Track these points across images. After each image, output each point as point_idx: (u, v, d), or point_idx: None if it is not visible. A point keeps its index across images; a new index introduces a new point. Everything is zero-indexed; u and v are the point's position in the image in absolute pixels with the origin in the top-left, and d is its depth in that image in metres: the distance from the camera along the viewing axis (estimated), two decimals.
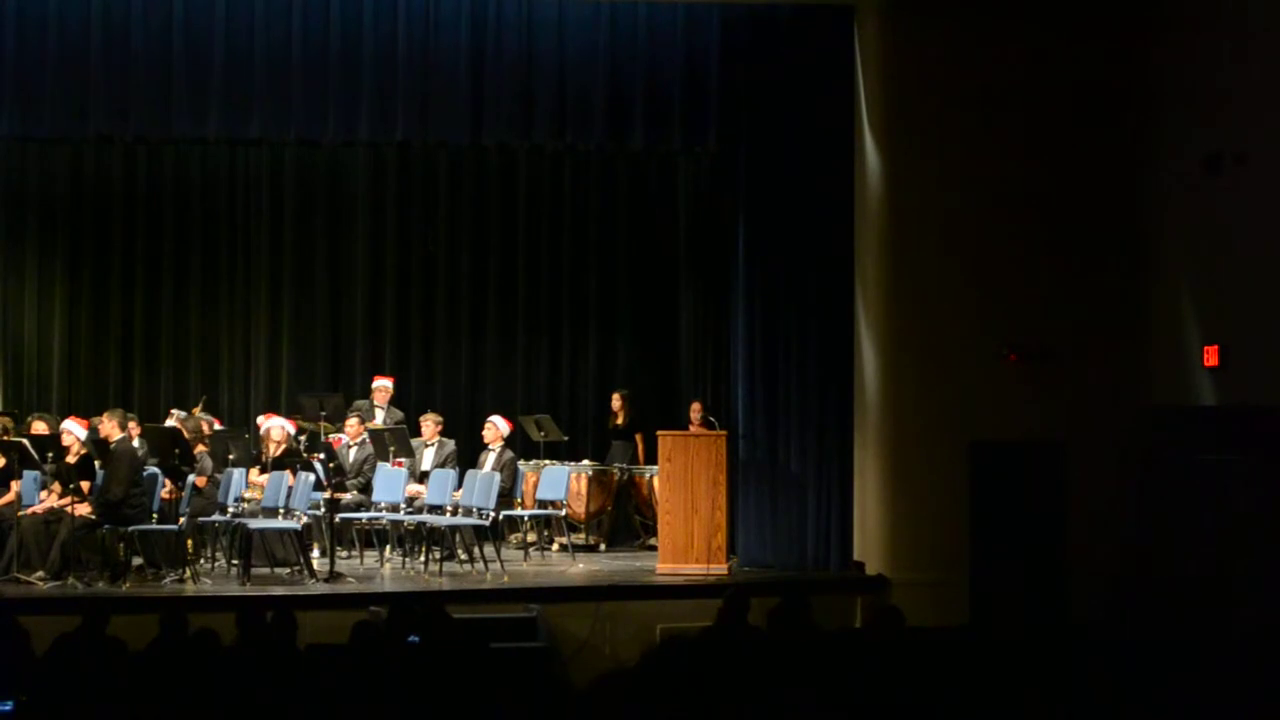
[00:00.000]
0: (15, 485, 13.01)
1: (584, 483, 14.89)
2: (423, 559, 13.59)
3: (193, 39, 13.60)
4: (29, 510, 12.84)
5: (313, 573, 13.04)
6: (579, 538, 15.04)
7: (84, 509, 12.75)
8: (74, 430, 13.13)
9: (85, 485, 12.90)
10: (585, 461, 15.47)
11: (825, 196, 13.99)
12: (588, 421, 16.64)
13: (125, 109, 13.62)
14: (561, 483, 14.54)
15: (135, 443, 13.35)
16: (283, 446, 13.73)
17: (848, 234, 14.03)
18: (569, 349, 17.01)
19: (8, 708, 6.57)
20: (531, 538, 14.95)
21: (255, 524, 13.07)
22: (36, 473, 13.06)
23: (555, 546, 14.92)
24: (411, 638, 8.55)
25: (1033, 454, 13.48)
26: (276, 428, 14.02)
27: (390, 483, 14.06)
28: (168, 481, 13.28)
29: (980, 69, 13.47)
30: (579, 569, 13.91)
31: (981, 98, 13.43)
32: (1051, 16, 13.46)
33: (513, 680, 8.11)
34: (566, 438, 15.86)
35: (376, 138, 14.33)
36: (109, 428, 13.10)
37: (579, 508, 14.87)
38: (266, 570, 13.23)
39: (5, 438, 13.54)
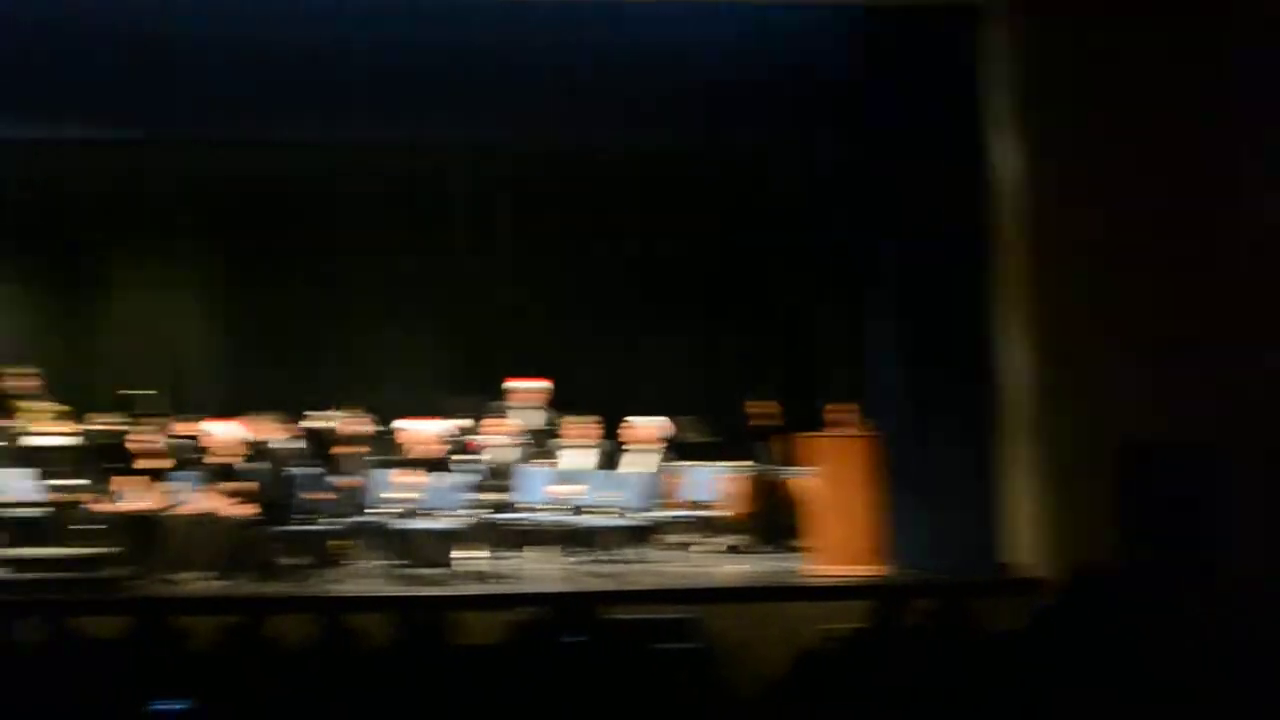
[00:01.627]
0: (163, 486, 13.18)
1: (732, 484, 14.81)
2: (576, 559, 13.58)
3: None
4: (182, 510, 12.99)
5: (465, 573, 13.07)
6: (730, 539, 14.96)
7: (239, 509, 12.89)
8: (230, 431, 13.28)
9: (240, 486, 13.05)
10: (732, 463, 15.39)
11: (958, 195, 13.77)
12: (733, 423, 16.56)
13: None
14: (710, 484, 14.51)
15: (290, 443, 13.48)
16: (433, 447, 13.82)
17: (982, 230, 13.81)
18: (710, 349, 17.00)
19: (181, 707, 6.62)
20: (683, 539, 14.91)
21: (407, 524, 13.15)
22: (192, 473, 13.24)
23: (706, 548, 14.86)
24: (569, 638, 8.51)
25: (1187, 453, 13.16)
26: (426, 428, 14.10)
27: (541, 483, 14.06)
28: (322, 481, 13.39)
29: (1116, 67, 13.23)
30: (730, 570, 13.83)
31: (1117, 95, 13.19)
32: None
33: (673, 681, 8.04)
34: (714, 439, 15.79)
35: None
36: (264, 428, 13.25)
37: (729, 509, 14.79)
38: (417, 570, 13.30)
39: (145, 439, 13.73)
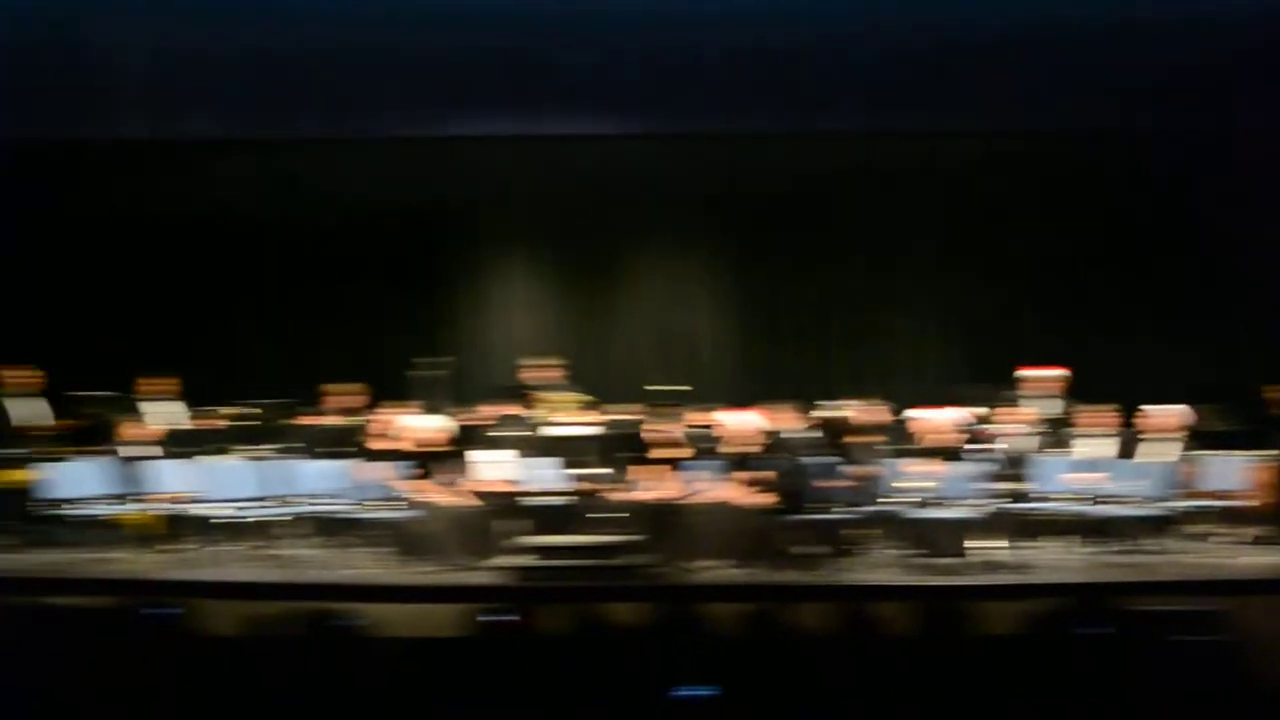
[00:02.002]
0: (680, 475, 13.35)
1: (1256, 473, 14.10)
2: (1094, 550, 13.17)
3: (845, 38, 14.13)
4: (700, 499, 13.15)
5: (980, 562, 12.82)
6: (1254, 530, 14.22)
7: (756, 498, 12.98)
8: (745, 421, 13.40)
9: (756, 475, 13.14)
10: (1256, 451, 14.63)
11: None
12: (1253, 411, 15.78)
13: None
14: (1232, 473, 13.93)
15: (804, 433, 13.50)
16: (947, 436, 13.63)
17: None
18: (1226, 335, 16.42)
19: (709, 692, 6.67)
20: (1204, 529, 14.29)
21: (921, 514, 13.01)
22: (709, 463, 13.40)
23: (1227, 539, 14.19)
24: (1089, 629, 8.24)
25: None
26: (940, 417, 13.93)
27: (1058, 472, 13.69)
28: (837, 471, 13.35)
29: None
30: (1254, 561, 13.15)
31: None
32: None
33: (1197, 675, 7.70)
34: (1236, 427, 15.05)
35: None
36: (779, 418, 13.31)
37: (1252, 499, 14.09)
38: (932, 560, 13.13)
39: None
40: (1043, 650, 7.86)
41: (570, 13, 14.47)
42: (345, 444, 13.80)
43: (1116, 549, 13.31)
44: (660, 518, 12.90)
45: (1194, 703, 7.18)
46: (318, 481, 13.67)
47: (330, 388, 14.88)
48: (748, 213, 17.26)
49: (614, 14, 14.37)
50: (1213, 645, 10.80)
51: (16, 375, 14.91)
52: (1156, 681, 7.46)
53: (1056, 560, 13.31)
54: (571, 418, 14.25)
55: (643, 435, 13.74)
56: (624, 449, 13.62)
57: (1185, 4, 13.68)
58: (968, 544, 13.07)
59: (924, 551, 12.97)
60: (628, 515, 12.89)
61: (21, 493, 13.99)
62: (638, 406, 14.56)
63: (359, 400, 14.72)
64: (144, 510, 13.82)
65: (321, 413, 14.76)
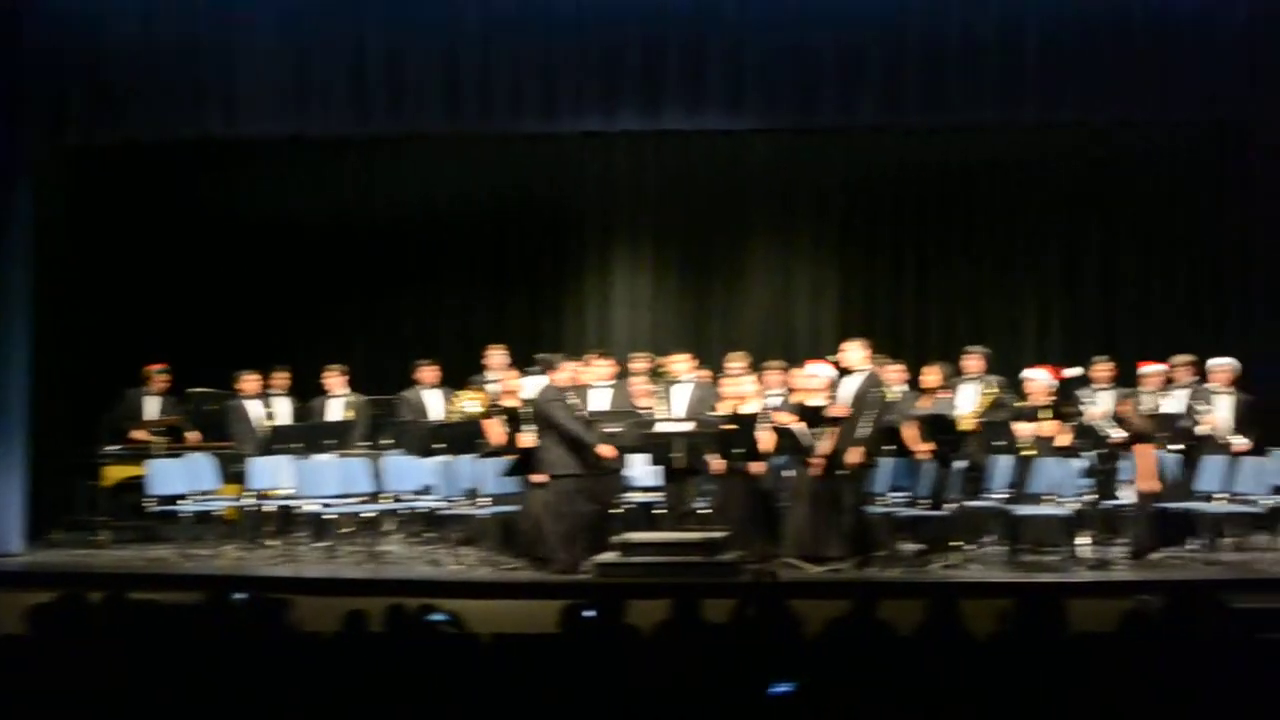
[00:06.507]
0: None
1: None
2: (1195, 546, 13.08)
3: (966, 30, 14.45)
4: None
5: (1081, 559, 12.73)
6: None
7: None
8: None
9: None
10: None
11: None
12: None
13: (901, 98, 14.44)
14: None
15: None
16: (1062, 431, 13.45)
17: None
18: None
19: (789, 688, 6.67)
20: None
21: (1022, 509, 12.94)
22: None
23: None
24: (1183, 629, 8.15)
25: None
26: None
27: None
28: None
29: None
30: None
31: None
32: None
33: None
34: None
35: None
36: None
37: None
38: (1033, 557, 13.07)
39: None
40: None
41: (686, 8, 14.58)
42: (453, 439, 13.89)
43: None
44: None
45: None
46: (417, 477, 13.84)
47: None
48: (865, 208, 17.29)
49: (730, 9, 14.49)
50: None
51: (153, 372, 15.27)
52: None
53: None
54: None
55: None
56: None
57: None
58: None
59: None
60: None
61: (134, 488, 14.28)
62: None
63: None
64: (249, 506, 14.04)
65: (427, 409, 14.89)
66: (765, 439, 12.87)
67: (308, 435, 14.15)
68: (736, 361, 14.08)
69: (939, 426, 13.34)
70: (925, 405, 13.87)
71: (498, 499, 13.37)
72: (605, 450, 12.79)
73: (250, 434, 14.69)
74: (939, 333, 16.96)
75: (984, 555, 13.27)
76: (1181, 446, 13.37)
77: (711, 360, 15.33)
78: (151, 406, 15.28)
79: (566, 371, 13.19)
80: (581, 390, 13.19)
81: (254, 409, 14.86)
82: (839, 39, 14.39)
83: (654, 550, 12.46)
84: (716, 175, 17.45)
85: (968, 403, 14.02)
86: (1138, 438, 12.99)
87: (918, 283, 17.27)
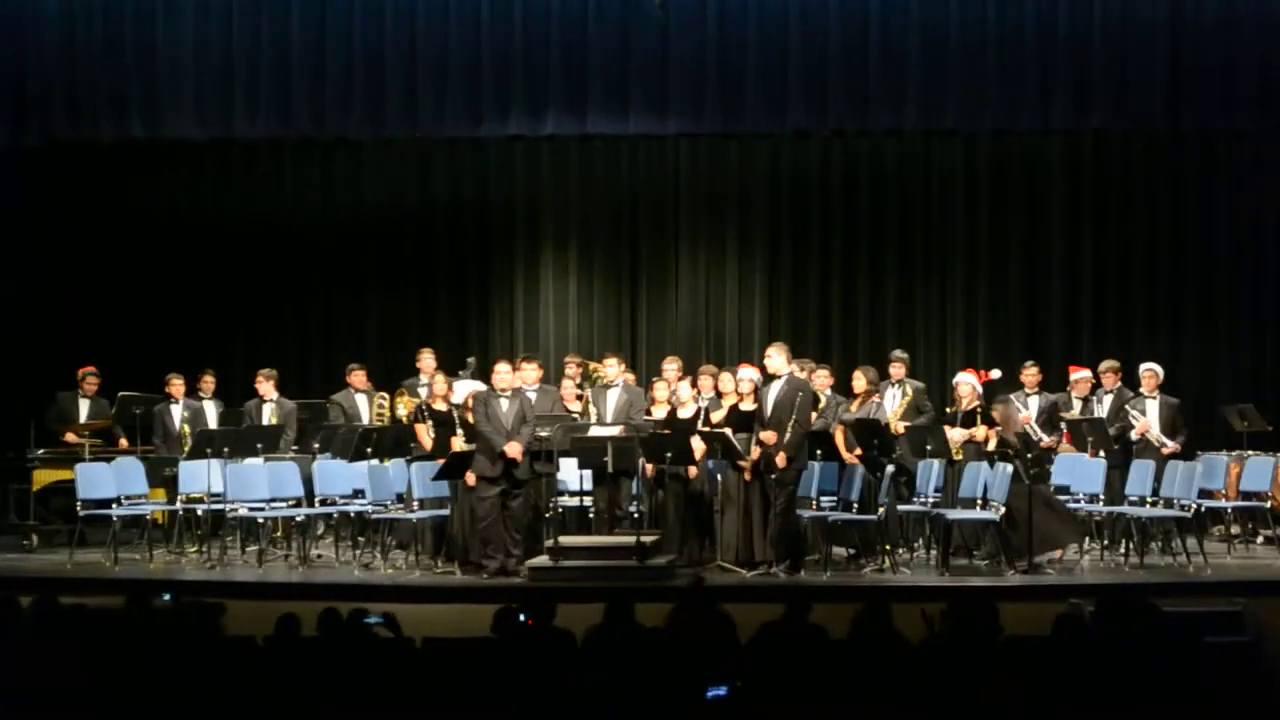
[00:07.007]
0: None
1: None
2: (1123, 551, 13.16)
3: (888, 36, 14.65)
4: None
5: (1011, 564, 12.79)
6: None
7: None
8: None
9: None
10: None
11: None
12: None
13: (825, 103, 14.46)
14: (1266, 474, 13.86)
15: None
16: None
17: None
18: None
19: (722, 692, 6.68)
20: (1235, 530, 14.25)
21: (953, 514, 12.99)
22: None
23: (1260, 540, 14.15)
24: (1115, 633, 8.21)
25: None
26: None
27: (1088, 473, 13.64)
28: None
29: None
30: None
31: None
32: None
33: (1222, 675, 7.66)
34: (1271, 428, 14.96)
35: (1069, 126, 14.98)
36: None
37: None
38: (964, 561, 13.14)
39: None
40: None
41: (612, 12, 14.64)
42: (382, 444, 13.83)
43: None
44: None
45: None
46: (348, 482, 13.78)
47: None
48: (793, 212, 17.29)
49: (653, 14, 14.56)
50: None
51: (84, 375, 15.14)
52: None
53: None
54: None
55: None
56: None
57: None
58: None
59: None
60: None
61: (64, 492, 14.16)
62: None
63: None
64: (177, 509, 13.95)
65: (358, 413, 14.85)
66: (698, 443, 12.87)
67: (233, 439, 14.02)
68: (672, 364, 14.12)
69: (868, 431, 13.35)
70: (854, 410, 13.91)
71: (428, 503, 13.32)
72: (511, 450, 12.69)
73: (174, 438, 14.61)
74: (867, 337, 17.01)
75: (915, 560, 13.33)
76: (1107, 451, 13.50)
77: (639, 364, 15.32)
78: (83, 409, 15.16)
79: (501, 375, 13.11)
80: (517, 393, 13.13)
81: (179, 413, 14.77)
82: (763, 44, 14.55)
83: (587, 554, 12.45)
84: (643, 179, 17.44)
85: (891, 407, 14.09)
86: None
87: (845, 287, 17.23)
